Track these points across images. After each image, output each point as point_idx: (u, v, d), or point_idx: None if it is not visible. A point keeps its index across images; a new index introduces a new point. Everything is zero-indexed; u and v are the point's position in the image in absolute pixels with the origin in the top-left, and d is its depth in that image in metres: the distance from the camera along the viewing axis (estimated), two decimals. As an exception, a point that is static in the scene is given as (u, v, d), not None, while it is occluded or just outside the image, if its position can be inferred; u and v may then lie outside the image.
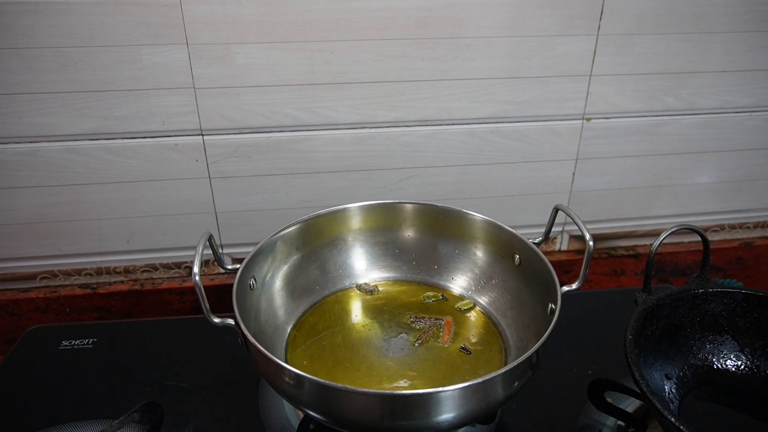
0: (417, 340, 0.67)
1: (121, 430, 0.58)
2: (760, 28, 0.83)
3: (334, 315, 0.71)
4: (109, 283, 0.88)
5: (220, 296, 0.87)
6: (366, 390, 0.56)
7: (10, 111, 0.74)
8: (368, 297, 0.74)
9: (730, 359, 0.64)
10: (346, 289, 0.75)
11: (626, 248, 0.98)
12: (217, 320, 0.55)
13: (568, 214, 0.63)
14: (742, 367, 0.63)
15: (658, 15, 0.80)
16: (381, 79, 0.79)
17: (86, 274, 0.87)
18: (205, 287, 0.54)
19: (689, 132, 0.90)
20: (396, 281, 0.77)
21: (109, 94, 0.75)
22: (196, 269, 0.54)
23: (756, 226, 1.02)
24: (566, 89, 0.84)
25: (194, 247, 0.56)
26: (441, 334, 0.68)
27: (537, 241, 0.68)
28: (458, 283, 0.76)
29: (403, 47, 0.77)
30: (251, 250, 0.65)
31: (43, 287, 0.86)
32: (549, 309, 0.61)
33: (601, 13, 0.79)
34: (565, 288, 0.60)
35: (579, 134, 0.87)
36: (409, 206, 0.75)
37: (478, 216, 0.72)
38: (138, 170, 0.80)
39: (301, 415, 0.64)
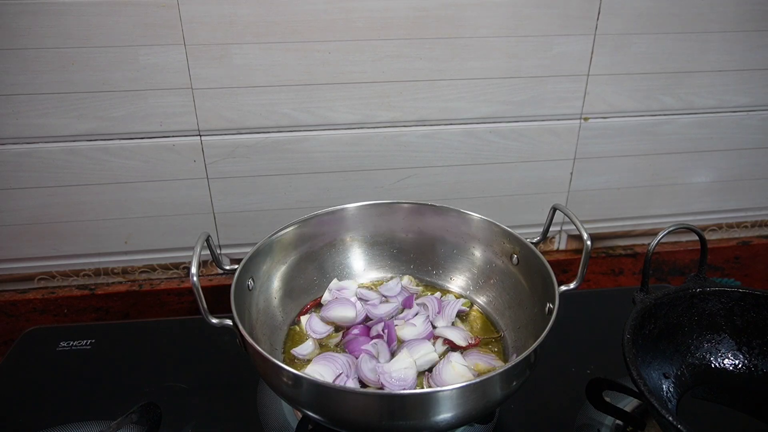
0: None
1: (119, 431, 0.58)
2: (757, 27, 0.83)
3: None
4: (108, 284, 0.87)
5: (218, 297, 0.87)
6: (364, 390, 0.56)
7: (8, 112, 0.74)
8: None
9: (728, 358, 0.64)
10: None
11: (624, 248, 0.99)
12: (215, 321, 0.55)
13: (565, 214, 0.63)
14: (740, 365, 0.64)
15: (656, 15, 0.80)
16: (379, 79, 0.79)
17: (84, 275, 0.87)
18: (203, 288, 0.54)
19: (687, 131, 0.90)
20: (394, 281, 0.77)
21: (106, 94, 0.74)
22: (193, 270, 0.54)
23: (753, 225, 1.02)
24: (564, 89, 0.84)
25: (192, 248, 0.56)
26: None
27: (535, 240, 0.68)
28: (456, 283, 0.76)
29: (401, 47, 0.77)
30: (249, 250, 0.65)
31: (41, 288, 0.86)
32: (547, 308, 0.61)
33: (599, 13, 0.79)
34: (563, 287, 0.60)
35: (577, 134, 0.87)
36: (407, 206, 0.75)
37: (476, 216, 0.72)
38: (136, 171, 0.80)
39: (300, 415, 0.64)
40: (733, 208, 0.99)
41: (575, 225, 0.61)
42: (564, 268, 0.96)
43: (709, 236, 1.01)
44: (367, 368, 0.59)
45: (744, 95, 0.89)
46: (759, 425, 0.60)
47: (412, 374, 0.59)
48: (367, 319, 0.70)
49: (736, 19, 0.82)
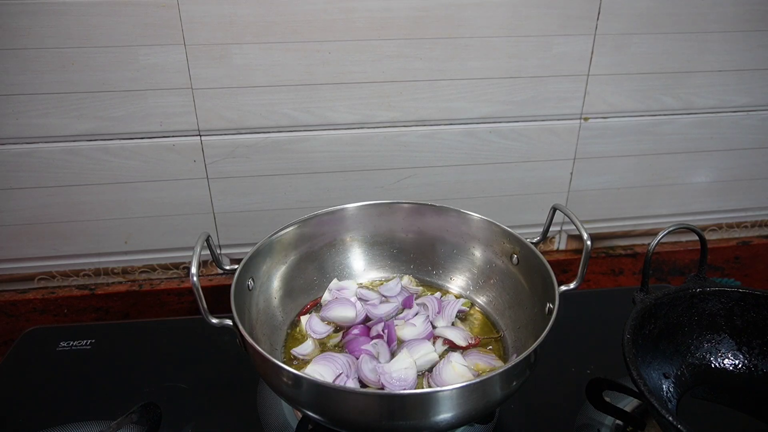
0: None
1: (119, 431, 0.58)
2: (756, 27, 0.83)
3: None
4: (108, 284, 0.87)
5: (218, 296, 0.87)
6: (364, 390, 0.56)
7: (8, 112, 0.74)
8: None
9: (728, 358, 0.64)
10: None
11: (624, 248, 0.99)
12: (215, 321, 0.55)
13: (566, 214, 0.63)
14: (740, 365, 0.64)
15: (656, 15, 0.80)
16: (379, 79, 0.79)
17: (84, 275, 0.87)
18: (203, 288, 0.54)
19: (687, 131, 0.90)
20: (394, 281, 0.77)
21: (106, 94, 0.74)
22: (193, 270, 0.54)
23: (753, 225, 1.02)
24: (564, 89, 0.84)
25: (192, 248, 0.56)
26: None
27: (535, 240, 0.68)
28: (457, 283, 0.76)
29: (401, 47, 0.77)
30: (249, 250, 0.65)
31: (41, 288, 0.86)
32: (547, 308, 0.61)
33: (599, 13, 0.79)
34: (563, 287, 0.60)
35: (577, 134, 0.87)
36: (407, 206, 0.75)
37: (476, 216, 0.72)
38: (136, 171, 0.80)
39: (300, 415, 0.64)
40: (733, 208, 0.99)
41: (575, 225, 0.61)
42: (564, 268, 0.96)
43: (709, 236, 1.01)
44: (368, 368, 0.59)
45: (744, 95, 0.89)
46: (759, 425, 0.60)
47: (412, 374, 0.59)
48: (367, 319, 0.70)
49: (736, 19, 0.82)
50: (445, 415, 0.49)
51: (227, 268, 0.65)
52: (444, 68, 0.80)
